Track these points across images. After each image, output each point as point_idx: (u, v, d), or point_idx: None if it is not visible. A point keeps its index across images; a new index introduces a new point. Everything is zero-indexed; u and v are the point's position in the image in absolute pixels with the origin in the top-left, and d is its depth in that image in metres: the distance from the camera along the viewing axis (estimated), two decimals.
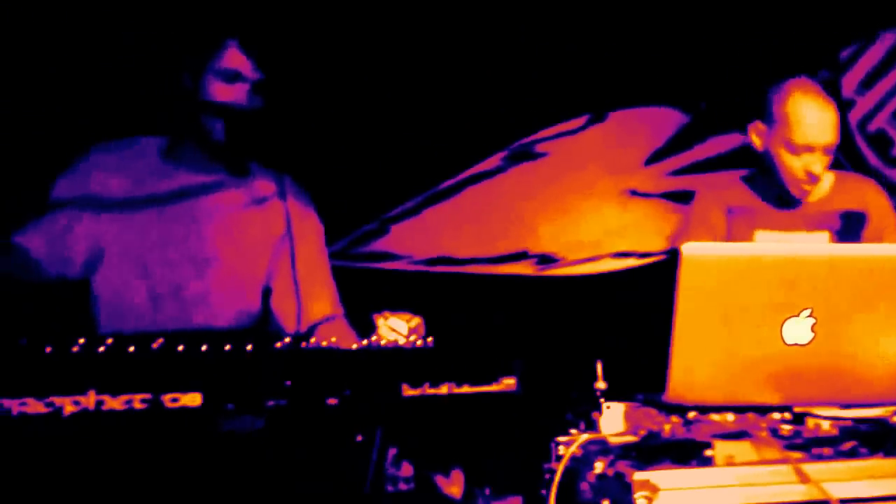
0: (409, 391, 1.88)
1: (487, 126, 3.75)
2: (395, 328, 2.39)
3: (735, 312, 1.79)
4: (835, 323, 1.77)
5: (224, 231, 2.53)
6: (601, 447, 2.09)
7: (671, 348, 1.80)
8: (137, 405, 1.59)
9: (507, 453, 2.35)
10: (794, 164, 2.79)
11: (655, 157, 3.85)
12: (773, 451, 1.79)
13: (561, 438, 2.51)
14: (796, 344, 1.80)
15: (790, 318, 1.79)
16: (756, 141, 2.88)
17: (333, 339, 1.92)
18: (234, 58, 2.46)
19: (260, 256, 2.58)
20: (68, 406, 1.53)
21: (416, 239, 3.73)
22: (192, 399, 1.63)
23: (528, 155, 3.82)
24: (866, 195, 2.96)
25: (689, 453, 1.83)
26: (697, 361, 1.82)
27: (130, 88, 2.94)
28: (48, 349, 1.61)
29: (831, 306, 1.76)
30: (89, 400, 1.55)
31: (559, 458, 2.39)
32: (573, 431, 2.27)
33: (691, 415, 1.89)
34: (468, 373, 1.98)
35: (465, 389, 1.96)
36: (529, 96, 3.76)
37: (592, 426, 2.36)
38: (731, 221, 2.93)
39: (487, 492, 2.47)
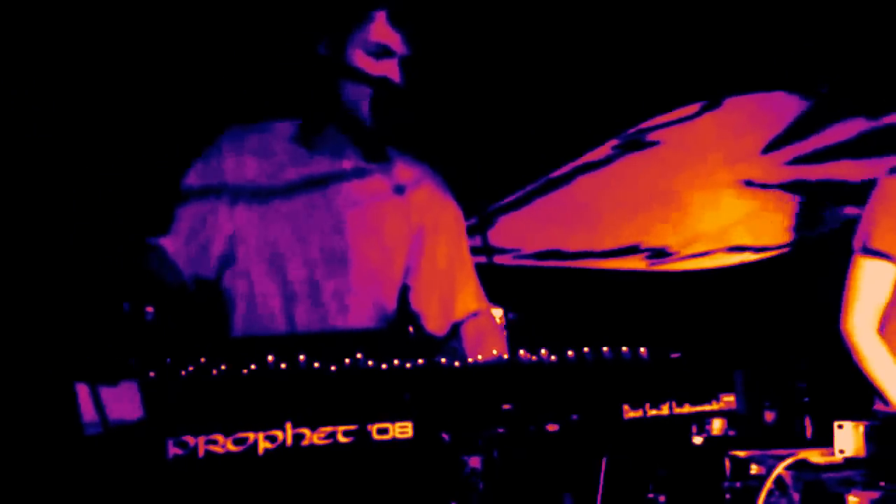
0: (630, 413, 1.49)
1: (598, 113, 3.33)
2: None
3: None
4: None
5: (363, 223, 2.12)
6: (812, 472, 1.71)
7: None
8: (341, 438, 1.19)
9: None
10: None
11: (773, 146, 3.42)
12: None
13: (738, 452, 2.13)
14: None
15: None
16: None
17: (494, 352, 1.53)
18: (382, 30, 2.05)
19: (398, 250, 2.18)
20: (262, 442, 1.14)
21: (525, 231, 3.33)
22: (403, 429, 1.24)
23: (639, 144, 3.40)
24: None
25: None
26: None
27: (262, 64, 2.53)
28: (222, 368, 1.22)
29: None
30: (286, 434, 1.16)
31: (751, 477, 2.00)
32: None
33: None
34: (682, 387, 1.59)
35: (686, 409, 1.57)
36: (641, 82, 3.34)
37: (801, 443, 1.98)
38: None
39: None
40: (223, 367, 1.20)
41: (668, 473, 2.24)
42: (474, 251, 2.96)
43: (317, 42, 2.05)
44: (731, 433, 2.71)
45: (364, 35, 2.02)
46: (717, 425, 2.77)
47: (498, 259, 3.32)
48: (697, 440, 2.41)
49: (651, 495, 2.21)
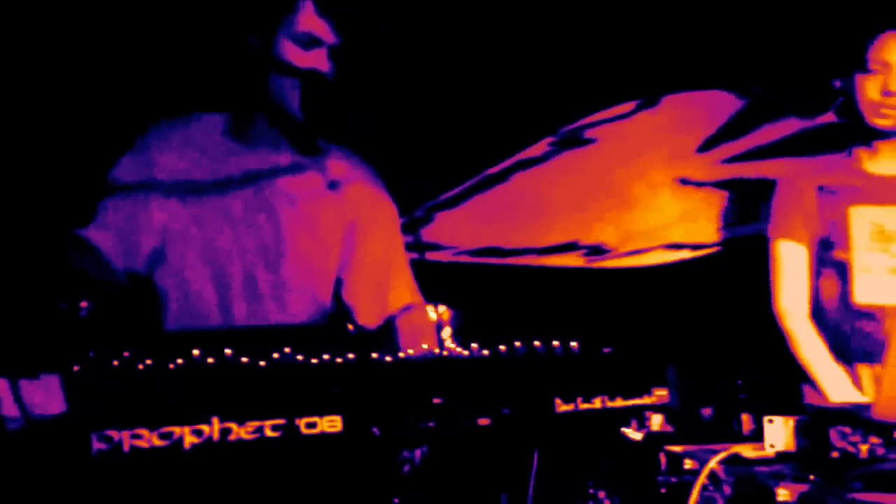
0: (562, 407, 1.52)
1: (535, 109, 3.37)
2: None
3: None
4: None
5: (299, 218, 2.13)
6: (744, 466, 1.76)
7: (886, 355, 1.45)
8: (269, 433, 1.20)
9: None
10: (870, 88, 2.53)
11: (709, 144, 3.50)
12: None
13: (673, 447, 2.18)
14: None
15: None
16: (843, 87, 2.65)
17: (424, 346, 1.56)
18: (310, 20, 2.06)
19: (332, 245, 2.20)
20: (188, 437, 1.14)
21: (463, 228, 3.35)
22: (332, 423, 1.25)
23: (576, 141, 3.45)
24: None
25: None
26: None
27: (192, 56, 2.49)
28: (147, 362, 1.21)
29: None
30: (213, 429, 1.16)
31: (685, 472, 2.06)
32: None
33: None
34: (615, 382, 1.63)
35: (619, 403, 1.61)
36: (577, 79, 3.39)
37: (738, 438, 2.02)
38: (823, 200, 2.63)
39: None
40: (149, 361, 1.20)
41: (609, 468, 2.28)
42: (409, 248, 2.98)
43: (246, 33, 2.05)
44: (670, 428, 2.79)
45: (292, 25, 2.02)
46: (656, 420, 2.85)
47: (435, 256, 3.34)
48: (637, 435, 2.48)
49: (592, 490, 2.25)
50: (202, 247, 2.02)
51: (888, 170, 2.62)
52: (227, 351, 1.23)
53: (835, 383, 2.45)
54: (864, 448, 1.51)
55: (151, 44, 2.56)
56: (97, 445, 1.08)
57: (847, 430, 1.54)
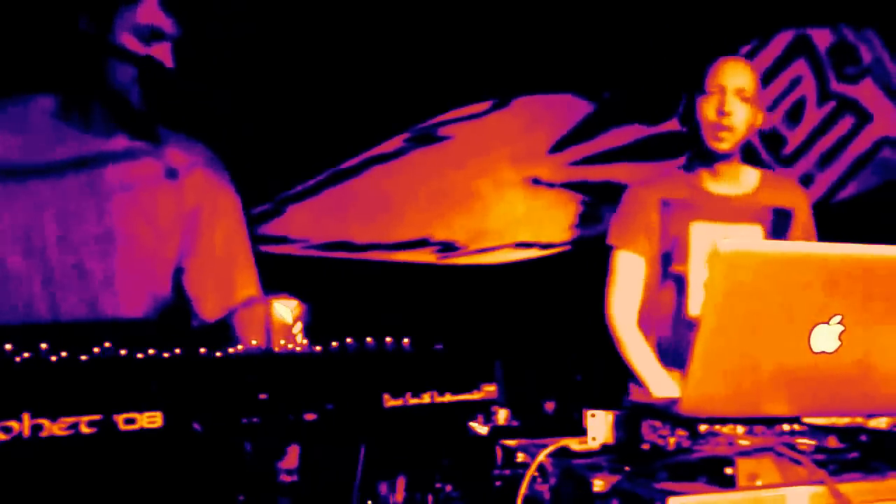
0: (390, 402, 1.56)
1: (389, 105, 3.41)
2: (282, 315, 2.15)
3: (763, 316, 1.57)
4: (864, 330, 1.58)
5: (132, 206, 2.09)
6: (571, 458, 1.85)
7: (691, 353, 1.56)
8: (84, 429, 1.19)
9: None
10: (708, 109, 2.76)
11: (559, 146, 3.63)
12: (798, 469, 1.60)
13: (508, 441, 2.26)
14: (823, 352, 1.60)
15: (819, 324, 1.59)
16: (685, 111, 2.87)
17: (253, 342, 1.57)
18: (152, 12, 2.02)
19: (171, 234, 2.17)
20: None
21: (314, 222, 3.35)
22: (152, 419, 1.25)
23: (430, 138, 3.51)
24: (793, 194, 2.95)
25: (703, 471, 1.61)
26: (717, 369, 1.59)
27: (19, 33, 2.38)
28: None
29: (862, 312, 1.57)
30: (23, 425, 1.14)
31: (518, 465, 2.14)
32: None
33: (703, 427, 1.66)
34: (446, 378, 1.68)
35: (448, 398, 1.66)
36: (432, 78, 3.45)
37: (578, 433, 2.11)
38: (667, 214, 2.82)
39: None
40: None
41: (453, 462, 2.34)
42: (257, 240, 2.96)
43: (78, 16, 1.99)
44: (516, 423, 2.90)
45: (132, 16, 1.99)
46: (501, 416, 2.95)
47: (285, 249, 3.33)
48: (483, 429, 2.55)
49: (439, 484, 2.32)
50: (25, 234, 1.96)
51: (727, 190, 2.85)
52: (43, 345, 1.21)
53: (659, 383, 2.62)
54: (672, 441, 1.62)
55: None
56: None
57: (657, 423, 1.65)
